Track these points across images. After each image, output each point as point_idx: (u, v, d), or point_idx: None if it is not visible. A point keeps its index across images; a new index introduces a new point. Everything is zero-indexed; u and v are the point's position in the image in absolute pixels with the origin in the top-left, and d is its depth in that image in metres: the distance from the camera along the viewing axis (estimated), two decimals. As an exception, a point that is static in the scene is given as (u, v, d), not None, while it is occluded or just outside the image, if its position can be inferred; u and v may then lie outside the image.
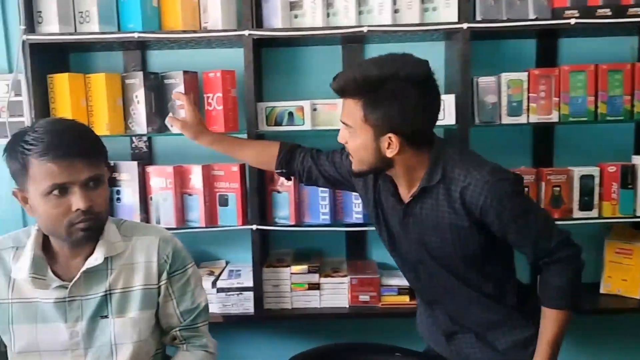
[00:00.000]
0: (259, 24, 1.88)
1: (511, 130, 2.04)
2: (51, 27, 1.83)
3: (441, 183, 1.33)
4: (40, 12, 1.84)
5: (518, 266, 1.50)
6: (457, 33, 1.81)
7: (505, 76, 1.85)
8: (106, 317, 1.26)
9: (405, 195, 1.40)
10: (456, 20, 1.81)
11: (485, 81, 1.86)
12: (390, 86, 1.24)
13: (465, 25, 1.78)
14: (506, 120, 1.86)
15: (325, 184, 1.65)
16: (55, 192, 1.15)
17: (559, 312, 1.34)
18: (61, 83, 1.88)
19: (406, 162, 1.34)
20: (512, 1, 1.83)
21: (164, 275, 1.32)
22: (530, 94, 1.85)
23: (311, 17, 1.86)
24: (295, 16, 1.88)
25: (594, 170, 1.88)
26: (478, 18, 1.84)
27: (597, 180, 1.87)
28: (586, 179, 1.87)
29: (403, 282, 1.96)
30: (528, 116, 1.86)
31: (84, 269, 1.23)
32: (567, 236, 1.35)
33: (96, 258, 1.24)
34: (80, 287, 1.24)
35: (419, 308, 1.65)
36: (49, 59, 1.93)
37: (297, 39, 1.92)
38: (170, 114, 1.86)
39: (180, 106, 1.85)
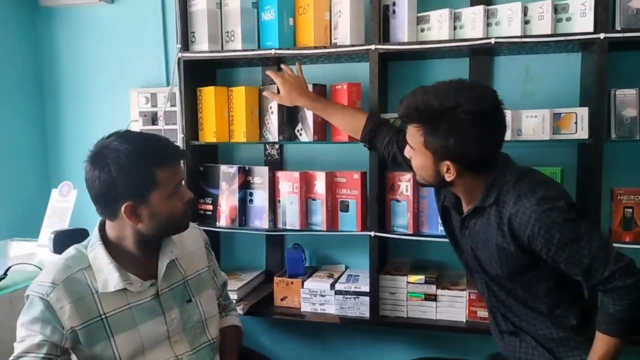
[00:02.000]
0: (385, 38, 1.95)
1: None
2: (202, 46, 2.07)
3: (494, 205, 1.37)
4: (193, 32, 2.09)
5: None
6: (593, 44, 1.72)
7: (648, 88, 1.72)
8: (190, 300, 1.42)
9: (465, 208, 1.47)
10: (592, 30, 1.73)
11: (623, 94, 1.74)
12: (450, 119, 1.29)
13: (602, 36, 1.69)
14: (647, 135, 1.73)
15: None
16: (176, 191, 1.30)
17: (610, 338, 1.30)
18: (208, 95, 2.11)
19: (464, 185, 1.41)
20: (658, 8, 1.70)
21: (210, 256, 1.55)
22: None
23: (437, 30, 1.89)
24: (422, 30, 1.92)
25: None
26: (618, 27, 1.73)
27: None
28: None
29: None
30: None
31: (166, 262, 1.37)
32: (628, 263, 1.28)
33: (172, 251, 1.39)
34: (163, 281, 1.37)
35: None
36: (199, 74, 2.18)
37: (423, 52, 1.97)
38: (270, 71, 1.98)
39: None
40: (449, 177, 1.37)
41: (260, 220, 2.11)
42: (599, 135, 1.73)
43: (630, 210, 1.75)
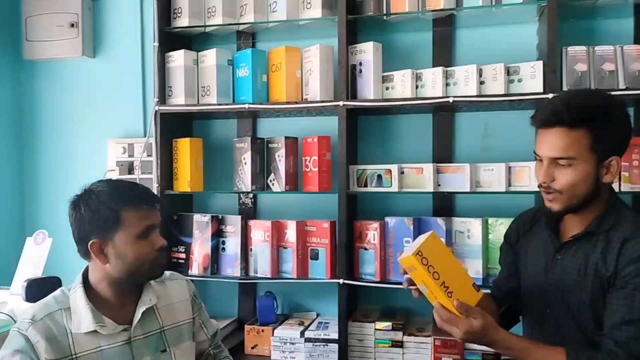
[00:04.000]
0: (354, 95, 2.08)
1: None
2: (179, 100, 2.18)
3: (606, 232, 1.32)
4: (171, 86, 2.20)
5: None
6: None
7: (594, 144, 1.85)
8: (164, 351, 1.43)
9: (568, 233, 1.40)
10: (541, 90, 1.87)
11: (572, 149, 1.87)
12: (617, 110, 1.30)
13: (550, 96, 1.83)
14: (596, 188, 1.84)
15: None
16: (143, 234, 1.34)
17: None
18: (184, 146, 2.21)
19: (602, 197, 1.35)
20: (600, 72, 1.86)
21: (195, 309, 1.55)
22: (622, 163, 1.82)
23: (401, 88, 2.02)
24: (387, 88, 2.06)
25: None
26: (565, 88, 1.88)
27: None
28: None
29: (487, 348, 1.95)
30: (620, 184, 1.83)
31: (143, 309, 1.39)
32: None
33: (150, 299, 1.42)
34: (138, 328, 1.40)
35: None
36: (176, 125, 2.28)
37: (388, 108, 2.09)
38: None
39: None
40: (610, 177, 1.32)
41: (232, 269, 2.16)
42: (551, 188, 1.84)
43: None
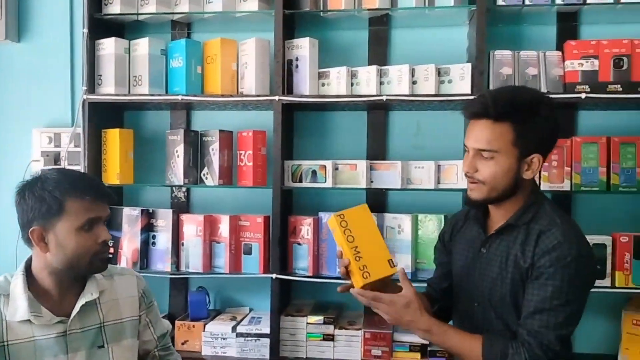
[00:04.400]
0: (289, 90, 2.08)
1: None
2: (109, 89, 2.10)
3: (525, 225, 1.36)
4: (100, 75, 2.12)
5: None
6: (471, 104, 1.94)
7: (517, 145, 1.94)
8: (102, 346, 1.40)
9: (493, 226, 1.43)
10: (469, 92, 1.94)
11: (497, 149, 1.95)
12: (544, 109, 1.31)
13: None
14: (518, 186, 1.93)
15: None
16: (87, 226, 1.31)
17: (477, 347, 1.32)
18: (113, 137, 2.13)
19: (524, 190, 1.38)
20: (524, 75, 1.95)
21: (143, 307, 1.51)
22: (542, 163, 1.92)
23: (336, 85, 2.04)
24: (323, 84, 2.07)
25: (606, 240, 1.91)
26: (491, 90, 1.96)
27: (609, 250, 1.90)
28: (599, 248, 1.90)
29: (415, 339, 2.02)
30: (540, 184, 1.92)
31: (82, 302, 1.36)
32: (565, 337, 1.30)
33: (92, 293, 1.38)
34: (76, 321, 1.37)
35: None
36: (106, 115, 2.20)
37: (325, 105, 2.11)
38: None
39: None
40: (529, 174, 1.35)
41: (162, 263, 2.11)
42: (477, 186, 1.92)
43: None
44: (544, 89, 1.94)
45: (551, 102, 1.36)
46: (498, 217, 1.43)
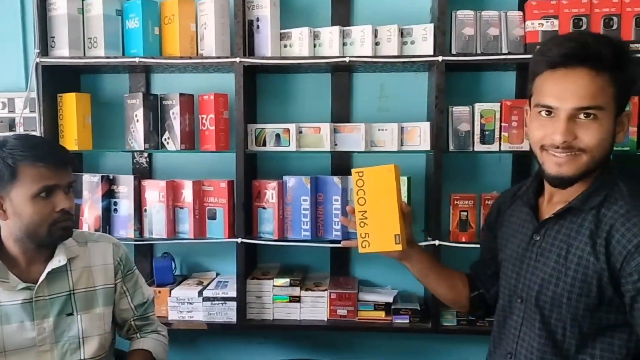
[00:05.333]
0: (251, 52, 2.03)
1: (495, 157, 2.16)
2: (62, 51, 2.02)
3: (596, 208, 1.08)
4: (53, 37, 2.03)
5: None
6: (434, 65, 1.93)
7: (479, 106, 1.96)
8: (71, 314, 1.39)
9: (550, 209, 1.16)
10: (432, 53, 1.94)
11: (459, 110, 1.97)
12: (631, 57, 1.07)
13: (440, 58, 1.90)
14: (479, 147, 1.96)
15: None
16: (43, 194, 1.28)
17: None
18: (69, 102, 2.06)
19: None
20: (486, 36, 1.94)
21: (119, 275, 1.50)
22: (502, 124, 1.95)
23: (299, 47, 2.00)
24: (285, 46, 2.03)
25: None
26: (454, 51, 1.95)
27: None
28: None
29: (380, 298, 2.07)
30: (500, 144, 1.95)
31: (49, 269, 1.35)
32: None
33: (59, 260, 1.37)
34: (44, 288, 1.36)
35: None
36: (61, 79, 2.11)
37: (287, 67, 2.08)
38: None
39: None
40: (621, 138, 1.09)
41: (125, 230, 2.09)
42: (439, 147, 1.94)
43: (465, 213, 1.98)
44: (505, 50, 1.94)
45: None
46: (556, 198, 1.15)
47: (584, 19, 1.86)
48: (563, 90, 1.04)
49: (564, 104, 1.04)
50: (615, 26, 1.84)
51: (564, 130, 1.04)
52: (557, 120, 1.05)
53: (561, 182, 1.09)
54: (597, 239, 1.05)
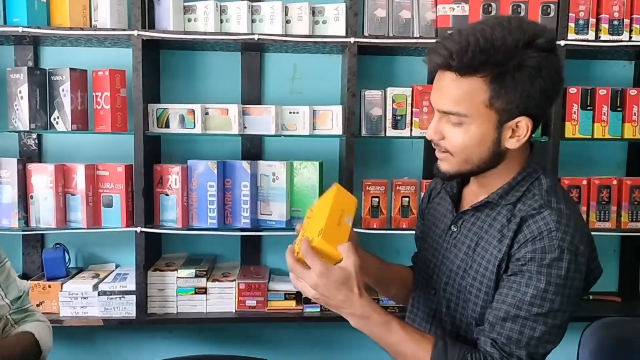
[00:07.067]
0: (151, 25, 1.87)
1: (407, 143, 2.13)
2: None
3: (511, 205, 1.06)
4: None
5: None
6: (346, 47, 1.87)
7: (391, 91, 1.92)
8: None
9: (469, 202, 1.14)
10: (344, 34, 1.87)
11: (371, 95, 1.92)
12: (532, 56, 0.96)
13: (352, 40, 1.84)
14: (391, 132, 1.93)
15: None
16: None
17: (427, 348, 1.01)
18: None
19: (515, 160, 1.07)
20: (398, 19, 1.90)
21: None
22: (413, 109, 1.92)
23: (204, 22, 1.87)
24: (189, 20, 1.89)
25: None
26: (366, 33, 1.90)
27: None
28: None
29: (290, 287, 1.99)
30: (411, 130, 1.93)
31: None
32: (539, 358, 1.02)
33: None
34: None
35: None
36: None
37: (192, 43, 1.94)
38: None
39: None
40: (514, 143, 1.02)
41: (8, 219, 1.87)
42: (351, 132, 1.88)
43: (377, 199, 1.95)
44: (416, 34, 1.91)
45: (547, 45, 0.98)
46: (478, 190, 1.12)
47: (494, 5, 1.87)
48: (434, 92, 1.04)
49: (435, 105, 1.05)
50: (522, 13, 1.86)
51: (431, 128, 1.06)
52: (433, 117, 1.07)
53: (443, 177, 1.10)
54: (507, 232, 1.04)
